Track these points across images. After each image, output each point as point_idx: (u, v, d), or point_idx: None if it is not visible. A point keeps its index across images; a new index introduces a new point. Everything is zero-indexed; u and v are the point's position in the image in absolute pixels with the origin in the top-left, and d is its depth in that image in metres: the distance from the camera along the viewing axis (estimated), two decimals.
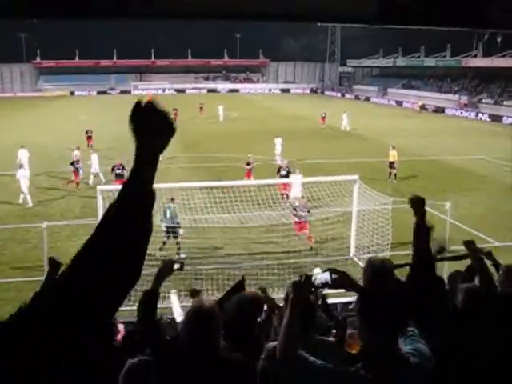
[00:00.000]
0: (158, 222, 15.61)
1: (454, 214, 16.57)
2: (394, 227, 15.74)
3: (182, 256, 15.73)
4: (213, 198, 17.40)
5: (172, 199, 16.36)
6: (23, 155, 28.49)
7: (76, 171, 26.02)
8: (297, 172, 20.65)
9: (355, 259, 16.07)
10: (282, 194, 21.05)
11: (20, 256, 16.47)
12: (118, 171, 23.40)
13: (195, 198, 17.44)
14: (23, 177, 23.84)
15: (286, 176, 21.75)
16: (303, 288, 3.09)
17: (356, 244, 16.35)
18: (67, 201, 23.45)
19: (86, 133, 35.99)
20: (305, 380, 2.95)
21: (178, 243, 16.23)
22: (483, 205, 21.76)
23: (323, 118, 49.53)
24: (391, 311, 2.87)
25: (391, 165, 27.41)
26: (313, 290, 3.21)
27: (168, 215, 16.07)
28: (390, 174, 27.18)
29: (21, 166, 25.32)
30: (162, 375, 3.52)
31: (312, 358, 2.94)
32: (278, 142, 31.48)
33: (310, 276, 3.15)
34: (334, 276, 3.15)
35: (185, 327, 3.53)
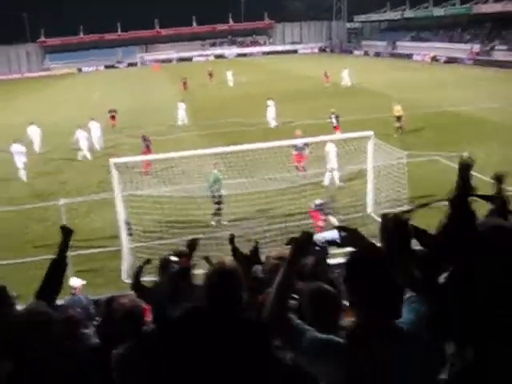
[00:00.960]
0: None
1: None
2: (410, 181, 15.68)
3: (225, 223, 16.00)
4: (228, 164, 17.35)
5: (215, 165, 16.55)
6: (33, 132, 28.98)
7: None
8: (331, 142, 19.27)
9: (373, 215, 16.04)
10: (297, 167, 20.59)
11: (41, 234, 16.67)
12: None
13: (210, 164, 17.45)
14: (18, 152, 24.29)
15: (302, 148, 20.64)
16: (303, 245, 2.91)
17: (373, 200, 16.31)
18: (84, 177, 23.57)
19: (110, 112, 33.73)
20: (290, 345, 2.86)
21: (219, 209, 16.39)
22: (499, 154, 21.47)
23: (327, 76, 49.17)
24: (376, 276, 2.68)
25: (398, 119, 27.16)
26: (315, 248, 3.01)
27: (211, 181, 16.29)
28: (398, 128, 26.87)
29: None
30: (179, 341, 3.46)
31: (301, 324, 2.84)
32: (271, 104, 31.47)
33: (312, 234, 2.95)
34: (343, 234, 2.98)
35: (207, 287, 3.46)
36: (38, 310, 3.79)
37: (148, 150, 23.38)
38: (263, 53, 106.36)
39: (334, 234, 3.02)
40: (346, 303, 3.16)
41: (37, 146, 29.10)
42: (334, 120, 26.23)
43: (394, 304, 2.73)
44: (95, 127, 28.97)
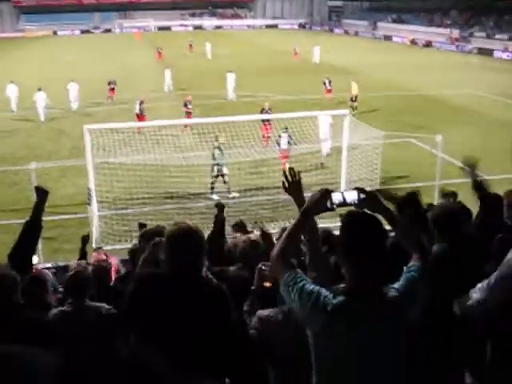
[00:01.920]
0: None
1: (445, 149, 16.55)
2: (384, 162, 15.79)
3: (233, 195, 15.89)
4: (202, 135, 17.23)
5: (216, 139, 16.23)
6: (12, 91, 29.79)
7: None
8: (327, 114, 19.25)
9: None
10: (264, 136, 20.49)
11: (10, 199, 16.40)
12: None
13: (185, 136, 17.31)
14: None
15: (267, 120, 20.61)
16: (320, 200, 2.97)
17: (346, 178, 16.38)
18: (55, 142, 23.19)
19: (109, 84, 32.54)
20: (284, 291, 2.88)
21: (225, 182, 16.22)
22: (473, 139, 21.72)
23: (296, 52, 50.70)
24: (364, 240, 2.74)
25: (353, 99, 27.20)
26: (334, 206, 2.98)
27: (216, 156, 16.03)
28: (352, 107, 26.07)
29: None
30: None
31: (298, 272, 2.89)
32: (231, 77, 31.97)
33: (330, 191, 3.01)
34: (362, 196, 2.96)
35: (168, 248, 3.34)
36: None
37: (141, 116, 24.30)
38: (243, 26, 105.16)
39: (352, 195, 2.98)
40: None
41: (14, 104, 29.58)
42: (327, 83, 30.02)
43: (386, 268, 2.77)
44: (41, 97, 27.92)
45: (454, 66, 48.04)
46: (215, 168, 16.09)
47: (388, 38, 78.59)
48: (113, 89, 32.60)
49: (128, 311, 3.49)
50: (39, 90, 28.13)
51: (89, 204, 13.97)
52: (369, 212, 2.89)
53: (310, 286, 2.79)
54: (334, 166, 16.66)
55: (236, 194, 16.06)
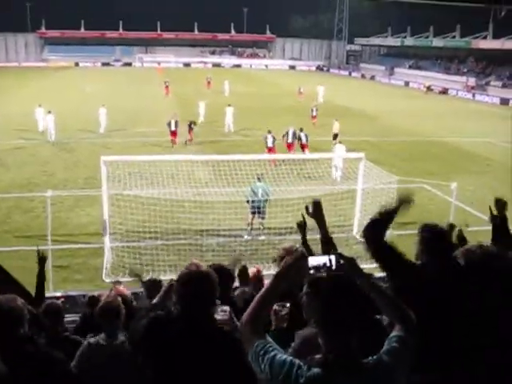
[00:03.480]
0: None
1: (458, 196, 16.52)
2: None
3: (248, 237, 15.76)
4: (217, 172, 17.32)
5: (258, 178, 16.21)
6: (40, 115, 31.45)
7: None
8: (340, 143, 23.72)
9: (358, 237, 16.07)
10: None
11: (24, 225, 16.52)
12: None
13: (200, 171, 17.42)
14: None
15: (306, 136, 26.17)
16: (294, 264, 2.81)
17: (359, 222, 16.34)
18: (71, 171, 23.43)
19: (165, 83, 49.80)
20: (253, 360, 2.72)
21: (261, 224, 16.07)
22: (488, 187, 21.67)
23: (300, 92, 52.53)
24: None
25: (335, 137, 28.44)
26: (310, 271, 2.82)
27: (260, 194, 15.82)
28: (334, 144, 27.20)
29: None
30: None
31: (269, 341, 2.75)
32: (230, 110, 33.76)
33: (306, 256, 2.86)
34: (341, 261, 2.83)
35: (179, 291, 3.34)
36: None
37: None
38: (261, 66, 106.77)
39: (329, 260, 2.84)
40: None
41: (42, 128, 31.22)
42: (314, 110, 34.37)
43: (365, 339, 2.66)
44: (51, 119, 29.92)
45: (470, 113, 48.27)
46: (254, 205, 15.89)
47: (406, 83, 79.31)
48: (167, 86, 33.85)
49: (139, 352, 3.50)
50: (49, 112, 30.00)
51: (103, 235, 14.04)
52: (344, 279, 2.76)
53: (283, 357, 2.63)
54: (349, 208, 16.63)
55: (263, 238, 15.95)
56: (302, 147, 26.24)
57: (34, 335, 3.88)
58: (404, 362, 2.72)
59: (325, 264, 2.83)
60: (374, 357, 2.68)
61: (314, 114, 35.85)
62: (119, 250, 14.31)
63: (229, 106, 34.43)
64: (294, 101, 49.68)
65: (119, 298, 4.65)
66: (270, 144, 24.97)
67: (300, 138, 26.24)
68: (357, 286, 2.73)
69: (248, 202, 15.87)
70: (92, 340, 4.31)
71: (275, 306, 3.35)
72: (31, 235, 15.26)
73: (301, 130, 26.55)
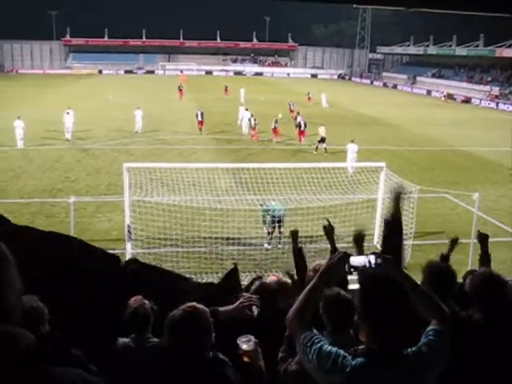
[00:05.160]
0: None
1: (480, 206, 16.37)
2: (418, 216, 15.64)
3: (268, 246, 15.81)
4: (238, 179, 17.39)
5: (261, 205, 16.28)
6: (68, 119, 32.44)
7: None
8: (352, 142, 25.94)
9: (378, 246, 16.01)
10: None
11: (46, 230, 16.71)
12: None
13: (221, 179, 17.50)
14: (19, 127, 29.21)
15: (304, 125, 32.26)
16: (337, 264, 3.00)
17: (379, 231, 16.27)
18: (94, 177, 23.69)
19: (179, 87, 54.50)
20: (301, 351, 2.88)
21: (281, 233, 16.00)
22: (510, 198, 21.44)
23: (309, 98, 54.77)
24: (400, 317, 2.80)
25: (322, 140, 29.99)
26: (352, 269, 3.00)
27: (272, 212, 15.76)
28: (317, 147, 29.98)
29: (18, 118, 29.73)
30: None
31: (316, 333, 2.89)
32: (247, 113, 35.72)
33: (349, 255, 3.02)
34: (379, 261, 2.95)
35: (172, 329, 3.36)
36: None
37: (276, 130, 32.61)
38: (283, 74, 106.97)
39: (369, 260, 2.99)
40: None
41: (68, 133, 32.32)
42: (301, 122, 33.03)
43: (406, 332, 2.80)
44: (70, 117, 32.41)
45: (493, 122, 47.79)
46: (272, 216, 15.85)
47: (428, 92, 78.86)
48: (201, 121, 35.98)
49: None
50: (67, 113, 32.12)
51: (128, 240, 14.16)
52: (389, 277, 2.90)
53: (329, 347, 2.79)
54: (369, 218, 16.56)
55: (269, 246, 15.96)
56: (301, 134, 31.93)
57: (54, 333, 3.96)
58: (441, 353, 2.87)
59: (365, 264, 2.98)
60: (414, 348, 2.84)
61: (273, 126, 33.39)
62: (140, 256, 14.40)
63: (246, 109, 36.59)
64: (303, 105, 49.57)
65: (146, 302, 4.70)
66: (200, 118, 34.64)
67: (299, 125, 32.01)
68: (399, 283, 2.90)
69: (264, 221, 15.89)
70: (123, 341, 4.36)
71: (243, 345, 3.36)
72: None
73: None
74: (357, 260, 3.00)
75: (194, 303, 3.45)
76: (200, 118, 35.04)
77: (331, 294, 3.37)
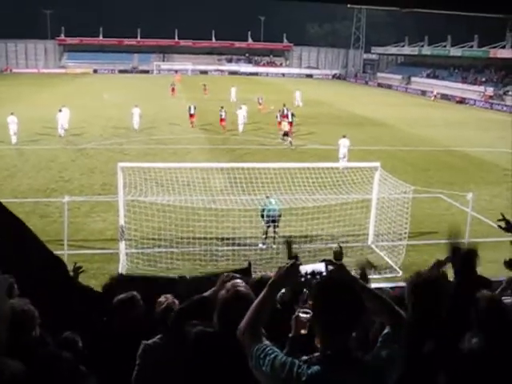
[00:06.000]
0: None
1: (475, 206, 16.41)
2: (413, 216, 15.67)
3: (262, 246, 15.74)
4: (233, 179, 17.36)
5: (267, 197, 16.16)
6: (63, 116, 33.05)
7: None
8: (344, 137, 26.90)
9: (373, 246, 16.05)
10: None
11: (40, 230, 16.60)
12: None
13: (215, 179, 17.48)
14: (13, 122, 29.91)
15: (292, 115, 34.58)
16: (287, 273, 2.96)
17: (374, 232, 16.30)
18: (88, 177, 23.63)
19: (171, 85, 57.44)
20: (255, 364, 2.80)
21: (275, 232, 16.02)
22: (505, 198, 21.49)
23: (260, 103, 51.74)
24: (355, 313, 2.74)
25: (286, 134, 32.02)
26: (302, 278, 2.97)
27: (268, 211, 15.73)
28: (284, 140, 31.91)
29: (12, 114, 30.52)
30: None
31: (268, 344, 2.83)
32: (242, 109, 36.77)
33: (298, 264, 2.98)
34: (330, 267, 2.97)
35: (222, 310, 3.51)
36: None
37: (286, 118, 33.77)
38: (278, 74, 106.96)
39: (320, 267, 2.97)
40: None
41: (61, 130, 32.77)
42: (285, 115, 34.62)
43: (358, 335, 2.78)
44: (64, 114, 33.22)
45: (488, 123, 47.94)
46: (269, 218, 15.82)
47: (422, 92, 79.06)
48: (192, 114, 37.35)
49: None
50: (60, 110, 32.78)
51: (120, 240, 14.13)
52: (342, 280, 2.87)
53: (283, 357, 2.72)
54: (364, 218, 16.59)
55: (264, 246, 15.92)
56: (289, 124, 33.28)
57: (45, 337, 3.96)
58: (397, 356, 2.82)
59: (315, 271, 2.96)
60: (371, 352, 2.81)
61: (192, 112, 37.48)
62: (134, 256, 14.40)
63: (241, 106, 37.19)
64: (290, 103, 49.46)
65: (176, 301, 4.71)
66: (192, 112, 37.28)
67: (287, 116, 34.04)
68: (353, 287, 2.82)
69: (262, 216, 15.83)
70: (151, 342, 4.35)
71: (299, 313, 3.32)
72: (48, 240, 15.19)
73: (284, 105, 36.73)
74: (307, 268, 2.98)
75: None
76: (192, 112, 37.18)
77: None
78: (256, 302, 2.97)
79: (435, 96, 71.06)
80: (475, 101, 68.11)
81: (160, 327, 4.40)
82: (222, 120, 35.53)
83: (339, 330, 2.72)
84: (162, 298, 4.65)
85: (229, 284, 3.58)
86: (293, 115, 34.60)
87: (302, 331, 3.23)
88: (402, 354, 2.85)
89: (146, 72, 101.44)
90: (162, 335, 4.31)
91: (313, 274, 2.95)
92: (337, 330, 2.72)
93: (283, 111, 35.40)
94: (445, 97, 72.05)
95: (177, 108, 46.83)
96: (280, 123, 34.20)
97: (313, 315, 2.88)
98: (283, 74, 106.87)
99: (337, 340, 2.72)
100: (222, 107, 35.89)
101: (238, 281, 3.65)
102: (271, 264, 13.75)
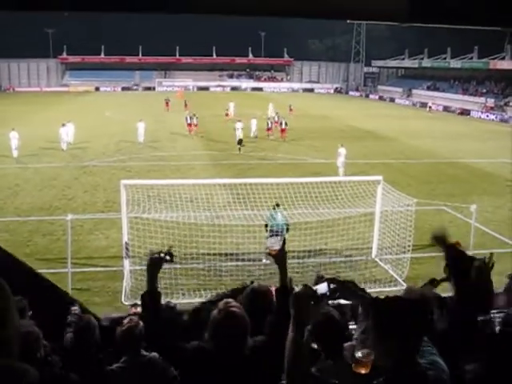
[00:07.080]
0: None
1: (478, 218, 16.39)
2: (416, 229, 15.63)
3: (266, 261, 15.26)
4: (236, 195, 17.36)
5: (278, 204, 16.10)
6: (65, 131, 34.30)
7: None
8: (342, 146, 28.03)
9: (377, 260, 16.01)
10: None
11: (44, 248, 16.69)
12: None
13: (218, 194, 17.50)
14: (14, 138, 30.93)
15: (285, 123, 39.52)
16: (302, 300, 2.76)
17: (377, 245, 16.27)
18: (91, 194, 23.67)
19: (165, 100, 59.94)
20: None
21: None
22: (508, 209, 21.47)
23: (291, 109, 54.64)
24: (407, 322, 2.65)
25: (240, 142, 34.18)
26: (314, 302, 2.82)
27: (279, 220, 15.70)
28: (240, 149, 33.89)
29: (13, 129, 31.60)
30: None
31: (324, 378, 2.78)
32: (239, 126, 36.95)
33: (310, 287, 2.85)
34: (332, 286, 2.89)
35: (213, 328, 3.44)
36: None
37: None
38: (279, 89, 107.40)
39: (322, 287, 2.90)
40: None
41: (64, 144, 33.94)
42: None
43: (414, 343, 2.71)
44: (67, 129, 34.72)
45: (489, 134, 47.96)
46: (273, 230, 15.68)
47: (423, 104, 79.26)
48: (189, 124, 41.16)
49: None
50: (63, 125, 33.92)
51: (126, 257, 14.12)
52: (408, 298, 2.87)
53: None
54: (367, 231, 16.57)
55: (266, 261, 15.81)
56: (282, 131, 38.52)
57: (50, 358, 3.95)
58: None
59: (320, 293, 2.88)
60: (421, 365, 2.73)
61: (189, 121, 41.17)
62: (138, 273, 14.37)
63: (239, 121, 37.55)
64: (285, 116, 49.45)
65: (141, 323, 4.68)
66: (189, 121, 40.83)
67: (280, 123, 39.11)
68: (415, 308, 2.76)
69: (266, 225, 15.81)
70: (115, 367, 4.33)
71: (358, 354, 3.03)
72: (51, 258, 15.44)
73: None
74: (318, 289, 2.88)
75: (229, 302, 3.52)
76: (189, 121, 40.60)
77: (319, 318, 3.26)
78: (289, 343, 2.71)
79: (430, 107, 71.55)
80: (476, 112, 68.21)
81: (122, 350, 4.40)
82: (189, 125, 40.80)
83: (408, 350, 2.65)
84: (126, 319, 4.64)
85: (221, 303, 3.51)
86: (286, 123, 39.51)
87: (363, 371, 3.08)
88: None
89: (149, 89, 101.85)
90: (125, 358, 4.30)
91: (321, 295, 2.86)
92: (405, 350, 2.65)
93: (274, 118, 41.97)
94: (446, 109, 72.17)
95: (178, 124, 46.99)
96: (270, 129, 39.79)
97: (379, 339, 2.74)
98: (284, 89, 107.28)
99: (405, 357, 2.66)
100: (194, 114, 41.34)
101: (231, 300, 3.61)
102: (275, 279, 13.67)
